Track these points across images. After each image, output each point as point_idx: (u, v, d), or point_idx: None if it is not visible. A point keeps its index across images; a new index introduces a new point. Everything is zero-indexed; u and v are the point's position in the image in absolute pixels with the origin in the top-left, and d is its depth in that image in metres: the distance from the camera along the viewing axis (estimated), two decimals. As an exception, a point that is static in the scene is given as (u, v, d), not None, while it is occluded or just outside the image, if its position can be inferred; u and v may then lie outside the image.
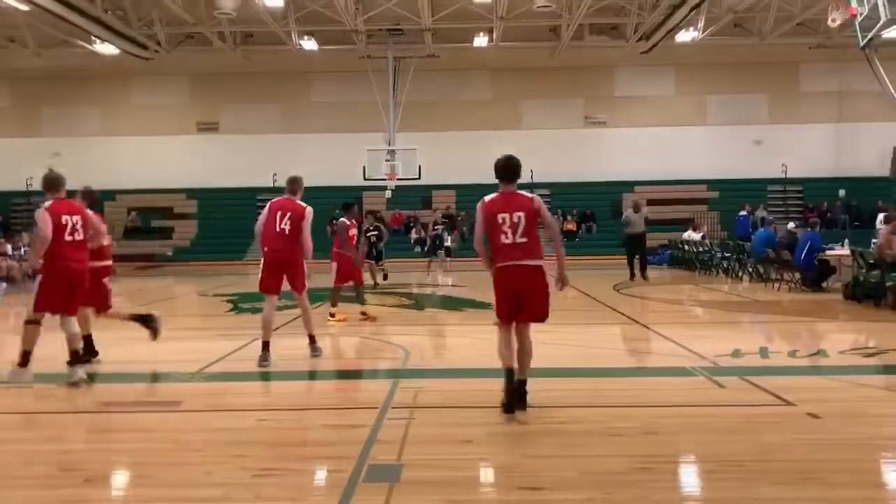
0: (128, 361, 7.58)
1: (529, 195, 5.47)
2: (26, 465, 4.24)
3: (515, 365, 5.17)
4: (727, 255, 18.48)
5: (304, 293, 7.60)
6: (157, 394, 6.08)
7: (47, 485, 3.94)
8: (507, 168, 5.45)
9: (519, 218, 5.22)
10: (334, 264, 10.65)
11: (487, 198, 5.43)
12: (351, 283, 10.73)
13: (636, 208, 17.47)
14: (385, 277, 16.24)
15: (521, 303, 5.24)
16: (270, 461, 4.29)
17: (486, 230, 5.33)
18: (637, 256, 17.21)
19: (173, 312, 13.03)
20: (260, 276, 7.47)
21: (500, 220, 5.22)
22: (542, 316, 5.33)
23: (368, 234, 14.96)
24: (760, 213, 25.09)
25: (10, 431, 4.95)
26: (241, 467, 4.17)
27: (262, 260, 7.46)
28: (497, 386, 6.25)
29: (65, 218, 6.35)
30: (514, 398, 5.09)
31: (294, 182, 7.62)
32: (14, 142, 30.74)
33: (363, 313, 10.56)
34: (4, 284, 17.99)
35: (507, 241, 5.20)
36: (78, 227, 6.45)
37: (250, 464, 4.24)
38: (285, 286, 7.45)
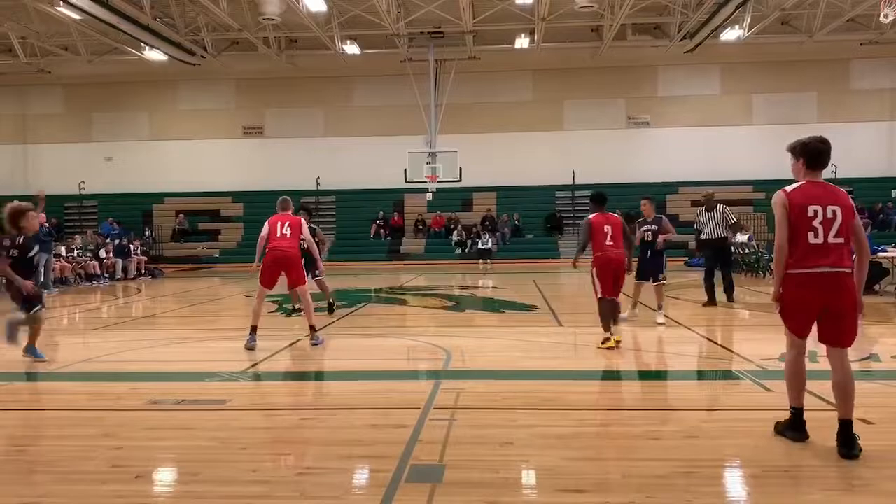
0: (175, 361, 7.75)
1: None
2: (79, 461, 4.37)
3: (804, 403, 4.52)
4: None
5: (304, 286, 8.82)
6: (204, 393, 6.21)
7: (99, 480, 4.06)
8: (826, 152, 4.56)
9: (834, 213, 4.32)
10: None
11: (790, 188, 4.49)
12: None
13: (708, 206, 12.94)
14: (330, 307, 11.74)
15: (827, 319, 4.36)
16: (314, 460, 4.35)
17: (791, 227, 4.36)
18: (720, 271, 13.03)
19: (219, 313, 13.30)
20: (260, 271, 8.54)
21: (812, 214, 4.32)
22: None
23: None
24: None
25: (63, 429, 5.10)
26: (285, 465, 4.24)
27: (265, 257, 8.53)
28: (539, 388, 6.26)
29: None
30: (843, 444, 4.24)
31: (285, 202, 9.00)
32: (67, 147, 31.68)
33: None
34: (56, 289, 18.50)
35: (818, 241, 4.31)
36: None
37: (294, 462, 4.31)
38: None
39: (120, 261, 21.67)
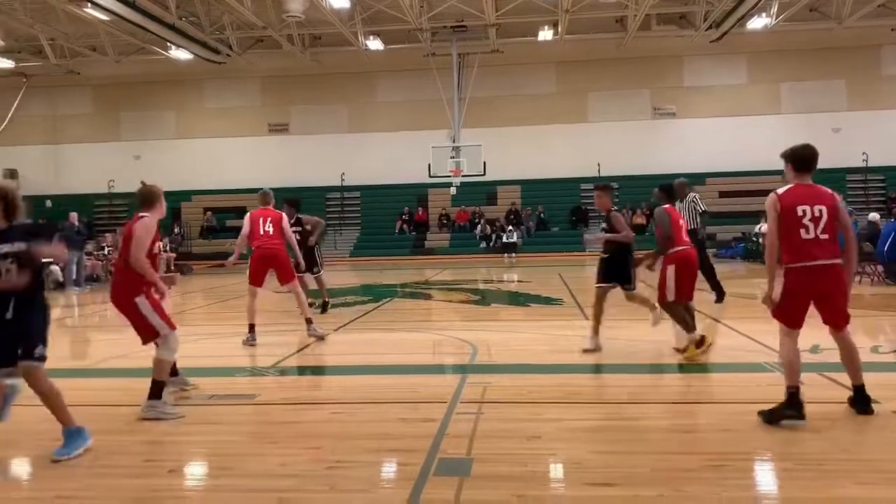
0: (205, 356, 7.85)
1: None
2: (113, 456, 4.45)
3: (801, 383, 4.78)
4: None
5: (294, 282, 8.71)
6: (234, 388, 6.28)
7: (133, 474, 4.13)
8: (811, 157, 4.88)
9: (821, 212, 4.72)
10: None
11: (780, 190, 4.85)
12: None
13: (680, 195, 10.78)
14: (324, 306, 11.34)
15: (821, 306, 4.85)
16: (343, 453, 4.39)
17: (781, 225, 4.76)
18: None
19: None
20: (249, 270, 8.59)
21: (801, 213, 4.71)
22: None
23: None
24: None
25: (97, 424, 5.19)
26: (315, 459, 4.28)
27: (253, 255, 8.58)
28: (566, 381, 6.24)
29: None
30: (859, 403, 4.84)
31: (266, 195, 8.91)
32: (96, 146, 32.16)
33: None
34: (87, 287, 18.79)
35: (809, 237, 4.71)
36: None
37: (324, 455, 4.35)
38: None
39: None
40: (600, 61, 29.43)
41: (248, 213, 8.93)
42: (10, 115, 29.17)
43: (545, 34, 26.03)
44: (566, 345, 8.11)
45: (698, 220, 11.20)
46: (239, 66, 29.14)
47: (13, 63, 27.49)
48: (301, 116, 31.55)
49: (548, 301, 12.50)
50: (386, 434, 4.78)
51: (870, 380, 4.95)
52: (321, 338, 8.63)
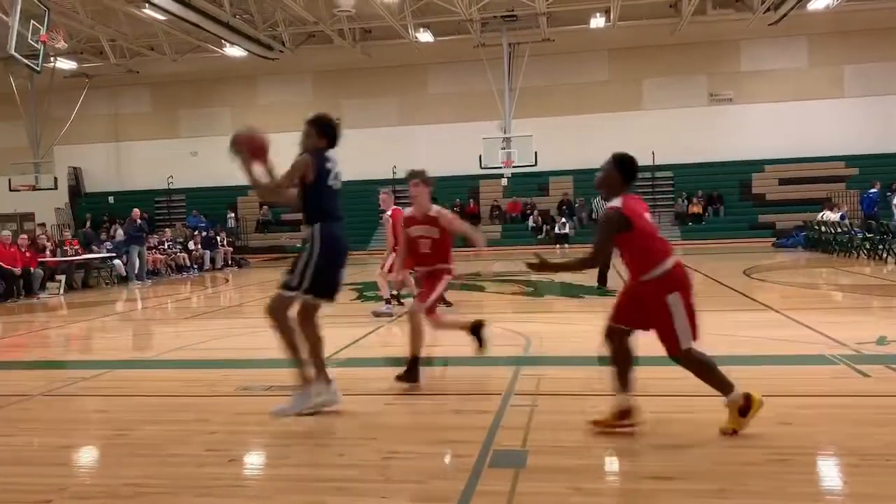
0: (263, 348, 7.99)
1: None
2: (177, 445, 4.58)
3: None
4: (869, 235, 17.26)
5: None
6: (291, 379, 6.39)
7: (196, 463, 4.24)
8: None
9: None
10: None
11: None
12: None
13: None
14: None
15: None
16: (399, 444, 4.42)
17: None
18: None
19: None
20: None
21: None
22: None
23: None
24: (904, 190, 23.04)
25: (160, 414, 5.35)
26: (371, 450, 4.33)
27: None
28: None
29: None
30: None
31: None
32: (156, 143, 33.04)
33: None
34: (149, 280, 19.33)
35: None
36: None
37: (379, 446, 4.39)
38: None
39: (208, 252, 22.50)
40: (654, 47, 28.88)
41: (391, 212, 9.83)
42: (73, 115, 30.14)
43: (597, 21, 25.67)
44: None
45: None
46: (291, 62, 29.53)
47: (76, 64, 28.39)
48: (352, 110, 31.78)
49: (602, 293, 12.36)
50: (441, 425, 4.80)
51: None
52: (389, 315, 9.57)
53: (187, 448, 4.52)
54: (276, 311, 5.09)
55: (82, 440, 4.85)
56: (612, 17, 25.32)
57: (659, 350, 4.64)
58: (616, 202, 4.50)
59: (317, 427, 4.92)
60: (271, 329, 5.13)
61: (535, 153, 26.26)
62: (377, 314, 10.04)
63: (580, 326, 9.00)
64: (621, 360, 4.64)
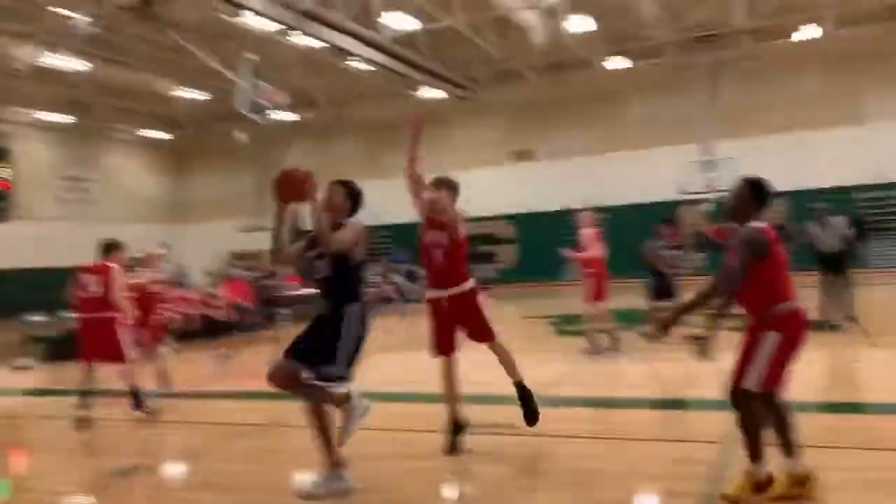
0: (473, 382, 8.19)
1: None
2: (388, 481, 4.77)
3: None
4: None
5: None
6: (494, 416, 6.45)
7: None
8: None
9: None
10: None
11: None
12: None
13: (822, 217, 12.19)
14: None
15: None
16: (612, 491, 4.33)
17: None
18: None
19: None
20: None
21: None
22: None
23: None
24: None
25: (391, 447, 5.59)
26: (583, 498, 4.27)
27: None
28: (857, 423, 5.58)
29: None
30: None
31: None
32: (365, 184, 35.16)
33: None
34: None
35: None
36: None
37: (588, 493, 4.32)
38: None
39: (410, 284, 23.59)
40: (874, 55, 26.31)
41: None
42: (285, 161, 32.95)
43: (806, 33, 23.91)
44: (858, 378, 7.28)
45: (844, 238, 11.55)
46: (484, 99, 30.36)
47: (296, 116, 31.19)
48: (545, 142, 32.01)
49: (820, 326, 11.34)
50: (654, 474, 4.64)
51: None
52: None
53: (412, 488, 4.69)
54: (318, 410, 4.59)
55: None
56: (823, 26, 23.47)
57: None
58: (756, 224, 4.16)
59: (524, 469, 4.90)
60: (308, 426, 4.63)
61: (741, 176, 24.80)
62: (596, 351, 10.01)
63: (805, 365, 8.31)
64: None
